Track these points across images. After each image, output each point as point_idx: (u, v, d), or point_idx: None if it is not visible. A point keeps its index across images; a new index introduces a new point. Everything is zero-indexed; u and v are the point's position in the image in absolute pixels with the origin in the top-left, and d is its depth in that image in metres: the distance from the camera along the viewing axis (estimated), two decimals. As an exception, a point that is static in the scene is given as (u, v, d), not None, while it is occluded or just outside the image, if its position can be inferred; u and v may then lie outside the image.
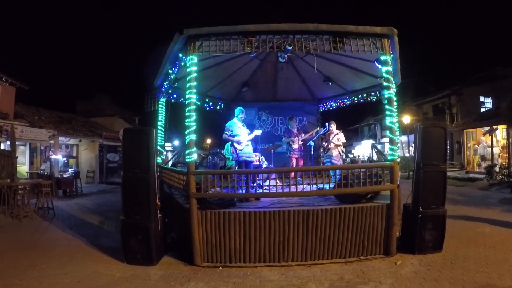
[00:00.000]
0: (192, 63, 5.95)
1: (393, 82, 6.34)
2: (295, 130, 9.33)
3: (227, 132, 7.60)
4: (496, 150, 19.01)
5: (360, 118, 41.89)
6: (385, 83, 6.28)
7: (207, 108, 10.85)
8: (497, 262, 5.49)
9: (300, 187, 5.99)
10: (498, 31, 51.85)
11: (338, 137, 8.93)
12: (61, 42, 59.51)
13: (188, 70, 6.01)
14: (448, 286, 4.68)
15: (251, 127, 9.07)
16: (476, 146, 21.15)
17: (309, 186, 5.96)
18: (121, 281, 5.11)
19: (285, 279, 5.11)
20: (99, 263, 5.89)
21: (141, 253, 5.72)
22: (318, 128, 9.57)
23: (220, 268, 5.61)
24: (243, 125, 7.78)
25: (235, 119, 7.76)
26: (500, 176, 15.23)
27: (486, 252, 6.01)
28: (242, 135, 7.62)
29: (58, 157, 17.62)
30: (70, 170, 17.36)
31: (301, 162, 9.24)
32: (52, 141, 17.69)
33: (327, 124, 8.90)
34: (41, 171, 15.89)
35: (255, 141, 8.17)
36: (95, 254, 6.37)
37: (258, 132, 7.88)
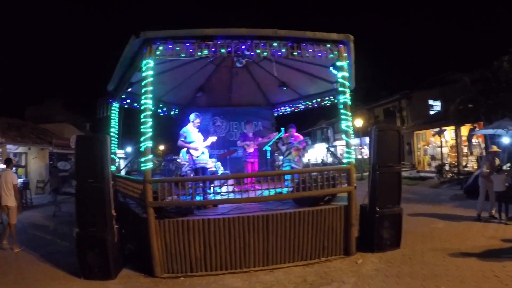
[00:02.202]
0: (148, 67, 5.79)
1: (348, 87, 6.48)
2: (250, 135, 9.26)
3: (182, 139, 7.38)
4: (445, 150, 20.02)
5: (312, 122, 42.58)
6: (341, 88, 6.42)
7: (161, 114, 10.62)
8: (453, 254, 5.78)
9: (258, 192, 5.98)
10: (447, 38, 54.72)
11: (299, 141, 8.91)
12: (8, 44, 56.31)
13: (144, 74, 5.83)
14: (409, 280, 4.86)
15: (205, 132, 8.94)
16: (426, 146, 22.19)
17: (267, 191, 5.96)
18: (79, 298, 4.87)
19: (249, 285, 5.10)
20: (54, 280, 5.57)
21: (99, 267, 5.47)
22: (275, 133, 9.57)
23: (182, 278, 5.49)
24: (198, 131, 7.65)
25: (190, 125, 7.56)
26: (450, 174, 16.07)
27: (442, 246, 6.33)
28: (197, 141, 7.47)
29: (6, 166, 16.60)
30: (19, 180, 16.40)
31: (256, 167, 9.19)
32: None
33: (282, 128, 8.91)
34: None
35: (210, 147, 8.04)
36: (50, 271, 6.02)
37: (213, 138, 7.71)
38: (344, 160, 6.43)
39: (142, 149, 5.83)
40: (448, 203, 10.86)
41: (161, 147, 41.87)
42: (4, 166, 9.71)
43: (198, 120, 7.60)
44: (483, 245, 6.20)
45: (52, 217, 11.80)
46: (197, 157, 7.38)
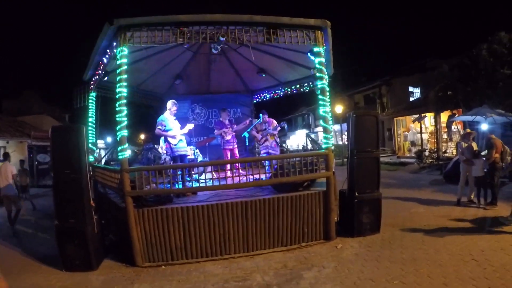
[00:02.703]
0: (122, 55, 5.70)
1: (326, 73, 6.49)
2: (227, 122, 9.15)
3: (159, 127, 7.32)
4: (425, 136, 20.31)
5: (293, 109, 42.59)
6: (318, 74, 6.42)
7: (139, 102, 10.51)
8: (432, 239, 5.88)
9: (236, 179, 5.98)
10: (427, 24, 55.18)
11: (273, 126, 8.86)
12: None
13: (118, 62, 5.75)
14: (388, 264, 4.93)
15: (184, 120, 8.87)
16: (406, 132, 22.47)
17: (245, 177, 5.96)
18: (61, 291, 4.83)
19: (229, 271, 5.12)
20: (37, 273, 5.50)
21: (80, 259, 5.43)
22: (251, 119, 9.54)
23: (163, 266, 5.50)
24: (175, 119, 7.59)
25: (167, 113, 7.50)
26: (430, 160, 16.33)
27: (422, 230, 6.41)
28: (175, 129, 7.42)
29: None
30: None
31: (236, 153, 9.15)
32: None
33: (260, 114, 8.88)
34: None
35: (189, 134, 8.01)
36: (32, 264, 5.95)
37: (190, 126, 7.67)
38: (323, 146, 6.46)
39: (118, 138, 5.76)
40: (427, 188, 11.03)
41: (142, 136, 41.51)
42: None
43: (175, 108, 7.54)
44: (462, 230, 6.28)
45: (33, 210, 11.58)
46: (175, 145, 7.34)
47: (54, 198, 5.58)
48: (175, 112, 7.59)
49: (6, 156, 9.22)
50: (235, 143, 9.08)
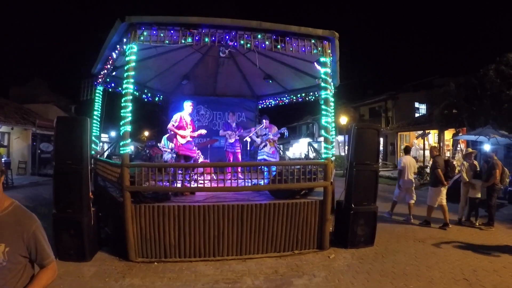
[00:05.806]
0: (131, 51, 5.76)
1: (331, 83, 6.53)
2: (233, 125, 9.27)
3: (173, 123, 7.44)
4: (428, 153, 20.23)
5: (298, 117, 42.58)
6: (323, 84, 6.46)
7: (146, 99, 10.58)
8: (425, 255, 5.91)
9: (235, 182, 6.02)
10: (437, 42, 55.27)
11: (273, 132, 8.87)
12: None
13: (127, 59, 5.81)
14: (379, 278, 4.95)
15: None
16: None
17: (244, 181, 6.00)
18: (53, 278, 4.88)
19: (220, 273, 5.15)
20: (30, 260, 5.55)
21: (74, 249, 5.48)
22: (257, 125, 9.60)
23: (155, 263, 5.53)
24: (191, 119, 7.69)
25: (185, 112, 7.64)
26: (431, 177, 16.21)
27: (415, 246, 6.45)
28: (187, 130, 7.52)
29: (-13, 146, 16.44)
30: (3, 159, 16.18)
31: (239, 157, 9.22)
32: (-18, 129, 16.40)
33: (264, 120, 8.92)
34: (-31, 161, 14.65)
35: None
36: (25, 250, 5.99)
37: (203, 131, 7.79)
38: (323, 156, 6.50)
39: (121, 133, 5.82)
40: (425, 205, 10.93)
41: (146, 133, 41.63)
42: None
43: (190, 108, 7.70)
44: (457, 249, 6.32)
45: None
46: (182, 144, 7.41)
47: (54, 187, 5.62)
48: (190, 111, 7.74)
49: None
50: (238, 147, 9.16)
